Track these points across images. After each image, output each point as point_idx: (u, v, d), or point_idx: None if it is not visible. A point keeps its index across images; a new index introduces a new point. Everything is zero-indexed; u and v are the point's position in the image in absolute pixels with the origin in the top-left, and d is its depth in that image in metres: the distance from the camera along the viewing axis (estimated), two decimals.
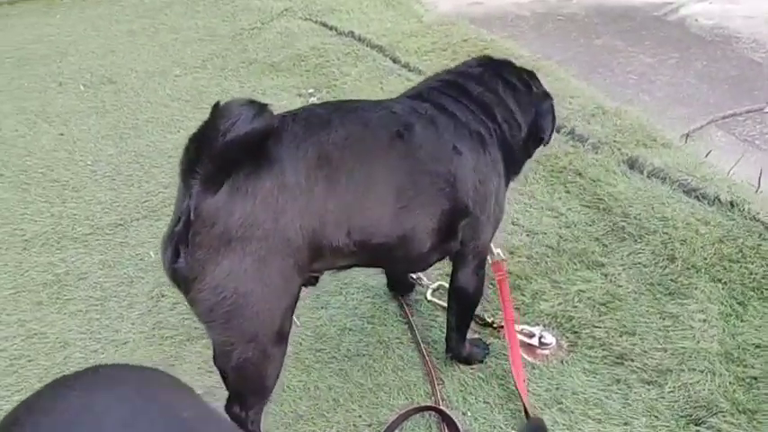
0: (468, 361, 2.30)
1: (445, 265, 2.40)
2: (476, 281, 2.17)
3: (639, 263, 2.60)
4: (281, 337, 1.82)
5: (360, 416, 2.17)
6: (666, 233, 2.69)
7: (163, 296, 2.67)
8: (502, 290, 2.25)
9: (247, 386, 1.87)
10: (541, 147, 2.24)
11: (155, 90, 4.37)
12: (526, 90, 2.18)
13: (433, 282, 2.57)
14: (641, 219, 2.77)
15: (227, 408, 1.89)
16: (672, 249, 2.62)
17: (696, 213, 2.77)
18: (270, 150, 1.69)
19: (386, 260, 2.08)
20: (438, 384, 2.22)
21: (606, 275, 2.55)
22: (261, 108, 1.65)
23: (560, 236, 2.74)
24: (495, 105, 2.09)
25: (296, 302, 1.83)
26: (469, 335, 2.30)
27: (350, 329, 2.46)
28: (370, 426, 2.13)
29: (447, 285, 2.30)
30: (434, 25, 4.91)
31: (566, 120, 3.46)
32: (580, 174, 3.07)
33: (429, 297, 2.54)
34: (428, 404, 2.13)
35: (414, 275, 2.59)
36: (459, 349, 2.28)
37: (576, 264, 2.62)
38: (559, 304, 2.47)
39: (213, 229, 1.64)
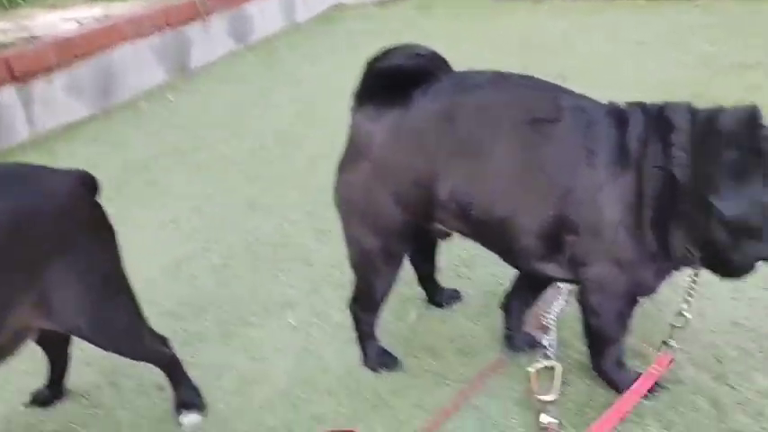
0: (610, 383, 2.03)
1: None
2: (594, 316, 1.93)
3: None
4: (388, 257, 2.05)
5: None
6: None
7: None
8: (642, 381, 1.91)
9: (360, 289, 2.14)
10: None
11: None
12: None
13: (552, 361, 2.17)
14: None
15: (350, 302, 2.19)
16: None
17: None
18: (411, 93, 1.91)
19: (489, 241, 2.02)
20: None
21: None
22: (418, 53, 1.98)
23: None
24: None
25: (403, 234, 2.02)
26: None
27: None
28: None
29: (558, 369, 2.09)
30: None
31: None
32: None
33: (535, 367, 2.14)
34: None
35: (538, 339, 2.24)
36: (599, 365, 2.04)
37: None
38: None
39: (349, 141, 2.01)
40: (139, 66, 5.13)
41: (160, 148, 4.28)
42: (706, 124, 1.74)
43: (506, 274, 2.64)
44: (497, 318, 2.34)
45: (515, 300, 2.27)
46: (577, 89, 3.66)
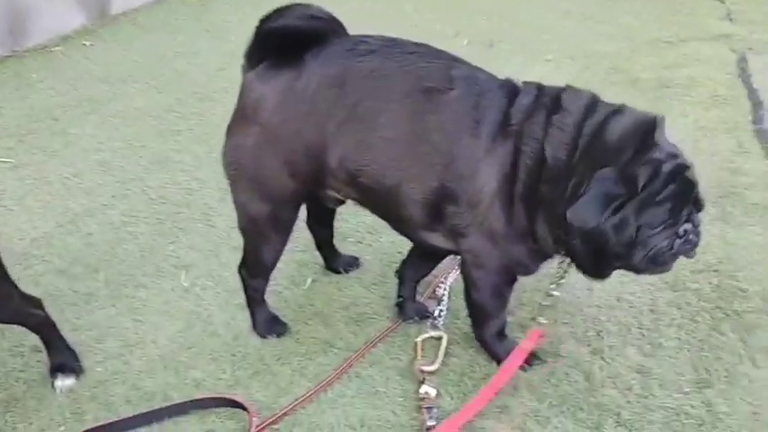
0: (491, 354, 2.06)
1: None
2: (474, 290, 1.97)
3: None
4: (277, 224, 2.02)
5: None
6: None
7: None
8: (512, 356, 1.93)
9: (248, 254, 2.12)
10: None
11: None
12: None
13: (441, 330, 2.19)
14: None
15: (239, 267, 2.16)
16: None
17: None
18: (304, 55, 1.85)
19: (378, 209, 2.01)
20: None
21: None
22: (312, 14, 1.89)
23: None
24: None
25: (293, 202, 2.01)
26: None
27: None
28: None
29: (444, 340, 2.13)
30: None
31: None
32: None
33: (420, 337, 2.17)
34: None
35: (429, 310, 2.25)
36: (481, 336, 2.07)
37: None
38: None
39: (239, 102, 1.95)
40: (55, 8, 4.87)
41: (72, 97, 4.09)
42: (598, 125, 1.70)
43: (408, 243, 2.64)
44: (393, 286, 2.34)
45: (410, 269, 2.27)
46: (504, 56, 3.63)
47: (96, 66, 4.57)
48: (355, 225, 2.72)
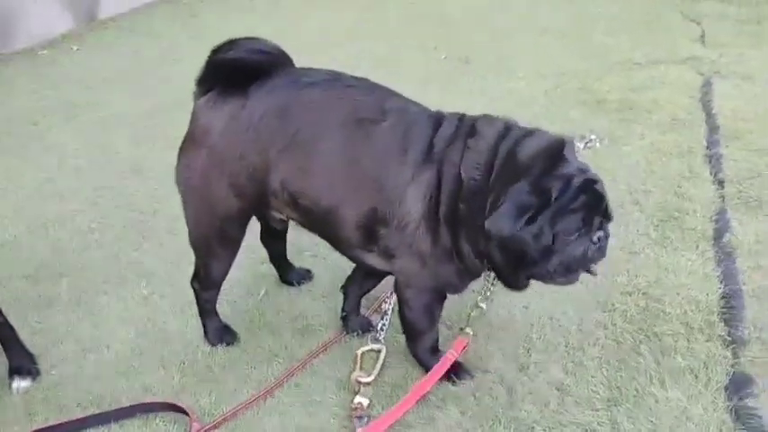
0: (425, 368, 2.17)
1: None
2: (406, 308, 2.12)
3: None
4: (225, 241, 2.16)
5: None
6: None
7: None
8: (439, 364, 2.06)
9: (199, 268, 2.27)
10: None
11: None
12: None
13: (381, 343, 2.32)
14: None
15: (191, 279, 2.30)
16: None
17: None
18: (249, 84, 2.01)
19: (318, 229, 2.15)
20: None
21: None
22: (261, 48, 2.03)
23: None
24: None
25: (239, 221, 2.13)
26: None
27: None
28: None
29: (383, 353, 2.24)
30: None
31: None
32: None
33: (361, 350, 2.30)
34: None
35: (373, 324, 2.38)
36: (414, 351, 2.20)
37: None
38: None
39: (190, 126, 2.10)
40: (44, 11, 4.99)
41: (53, 101, 4.23)
42: (512, 146, 1.85)
43: None
44: (341, 300, 2.46)
45: (354, 285, 2.40)
46: (479, 72, 3.67)
47: (81, 70, 4.70)
48: (311, 239, 2.82)
